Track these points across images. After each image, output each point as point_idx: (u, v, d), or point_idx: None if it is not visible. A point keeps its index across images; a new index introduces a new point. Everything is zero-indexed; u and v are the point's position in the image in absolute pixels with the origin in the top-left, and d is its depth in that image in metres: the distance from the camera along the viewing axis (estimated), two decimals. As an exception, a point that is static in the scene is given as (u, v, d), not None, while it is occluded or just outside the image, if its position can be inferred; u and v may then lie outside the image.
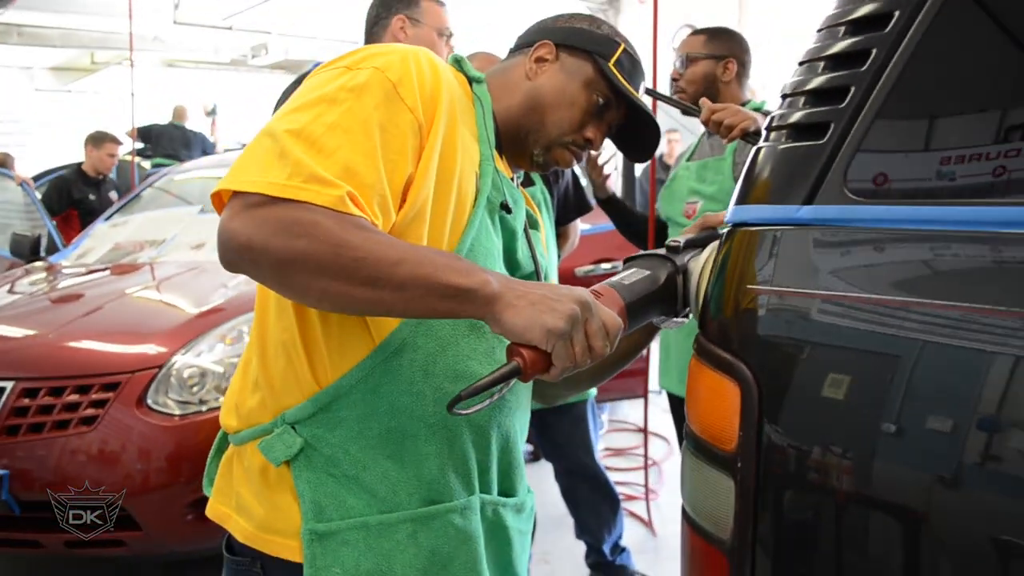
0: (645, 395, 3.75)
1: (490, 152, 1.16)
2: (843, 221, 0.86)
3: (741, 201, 1.01)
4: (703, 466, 0.97)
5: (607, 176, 2.60)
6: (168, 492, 2.64)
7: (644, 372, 3.76)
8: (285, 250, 0.92)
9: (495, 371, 0.97)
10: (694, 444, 1.00)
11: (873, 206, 0.85)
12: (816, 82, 0.95)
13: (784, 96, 1.00)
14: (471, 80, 1.19)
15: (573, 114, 1.22)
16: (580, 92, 1.22)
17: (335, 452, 1.07)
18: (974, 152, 0.84)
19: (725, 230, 1.03)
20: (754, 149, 1.02)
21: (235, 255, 0.95)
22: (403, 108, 1.03)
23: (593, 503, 2.90)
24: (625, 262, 1.19)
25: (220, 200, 1.01)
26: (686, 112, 2.12)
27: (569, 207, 2.83)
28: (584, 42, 1.24)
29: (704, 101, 2.05)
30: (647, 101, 1.32)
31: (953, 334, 0.78)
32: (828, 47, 0.95)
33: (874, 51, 0.89)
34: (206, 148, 7.89)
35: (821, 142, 0.90)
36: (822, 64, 0.95)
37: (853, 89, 0.89)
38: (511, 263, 1.22)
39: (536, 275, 1.28)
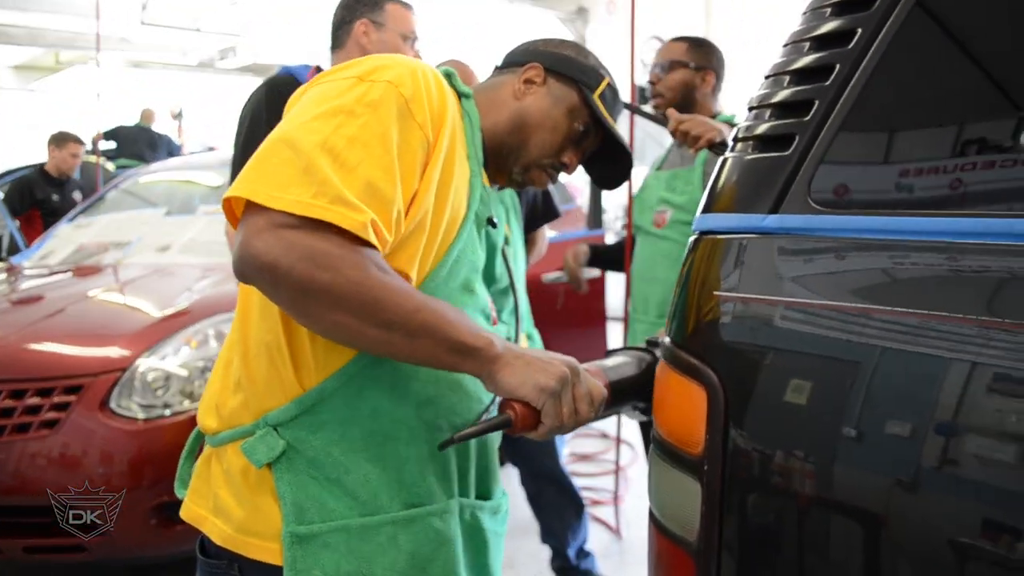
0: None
1: (479, 168, 1.18)
2: (807, 230, 0.89)
3: (707, 210, 1.03)
4: (670, 469, 0.99)
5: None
6: (131, 497, 2.60)
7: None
8: (309, 279, 0.94)
9: (487, 421, 1.05)
10: (661, 448, 1.02)
11: (836, 215, 0.87)
12: (781, 95, 0.97)
13: (751, 108, 1.03)
14: (460, 95, 1.21)
15: (555, 138, 1.26)
16: (563, 118, 1.26)
17: (317, 455, 1.07)
18: (932, 165, 0.87)
19: (694, 238, 1.06)
20: (720, 159, 1.05)
21: (256, 273, 0.96)
22: (414, 125, 1.05)
23: (558, 507, 2.92)
24: (608, 353, 1.27)
25: (230, 206, 1.02)
26: (655, 122, 2.15)
27: (537, 214, 2.85)
28: (572, 70, 1.28)
29: (671, 112, 2.08)
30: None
31: (912, 340, 0.81)
32: (793, 62, 0.97)
33: (837, 66, 0.91)
34: (172, 150, 7.81)
35: (786, 153, 0.92)
36: (787, 78, 0.98)
37: (817, 103, 0.92)
38: (488, 276, 1.25)
39: (511, 289, 1.31)
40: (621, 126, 1.36)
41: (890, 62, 0.88)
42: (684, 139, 2.00)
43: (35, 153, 6.53)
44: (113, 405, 2.64)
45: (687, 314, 1.01)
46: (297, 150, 0.98)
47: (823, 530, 0.86)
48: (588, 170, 1.39)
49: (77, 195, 5.70)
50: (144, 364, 2.72)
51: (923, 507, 0.78)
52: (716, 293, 0.96)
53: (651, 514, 1.04)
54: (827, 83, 0.91)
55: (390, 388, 1.09)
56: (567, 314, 3.95)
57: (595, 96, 1.27)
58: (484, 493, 1.24)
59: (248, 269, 0.96)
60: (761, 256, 0.94)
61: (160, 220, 4.11)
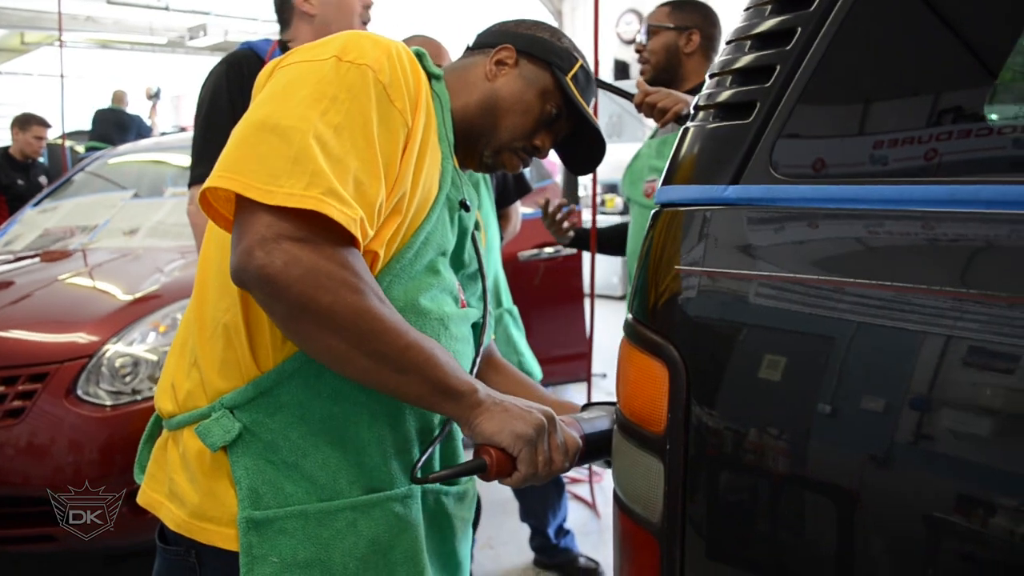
0: (588, 379, 3.76)
1: (449, 151, 1.16)
2: (769, 200, 0.86)
3: (668, 181, 1.00)
4: (632, 448, 0.96)
5: (568, 226, 2.57)
6: (98, 482, 2.56)
7: (587, 355, 3.77)
8: (308, 299, 0.93)
9: (462, 464, 1.07)
10: (624, 427, 0.99)
11: (799, 185, 0.84)
12: (742, 61, 0.94)
13: (712, 75, 0.99)
14: (430, 76, 1.19)
15: (526, 121, 1.24)
16: (536, 100, 1.24)
17: (275, 438, 1.05)
18: (900, 134, 0.84)
19: (655, 210, 1.03)
20: (682, 129, 1.01)
21: (255, 282, 0.94)
22: (394, 110, 1.04)
23: (538, 486, 2.90)
24: (584, 407, 1.29)
25: (206, 195, 0.99)
26: (622, 96, 2.10)
27: (509, 189, 2.81)
28: (545, 52, 1.26)
29: (639, 83, 2.03)
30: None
31: (875, 313, 0.78)
32: (754, 26, 0.94)
33: (799, 30, 0.88)
34: (142, 131, 7.64)
35: (747, 121, 0.89)
36: (748, 43, 0.94)
37: (778, 68, 0.88)
38: (457, 260, 1.23)
39: (480, 275, 1.29)
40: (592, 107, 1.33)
41: (853, 24, 0.85)
42: (651, 112, 1.96)
43: (1, 137, 6.40)
44: (80, 392, 2.59)
45: (648, 289, 0.98)
46: (284, 138, 0.95)
47: (790, 508, 0.84)
48: (560, 154, 1.37)
49: (43, 179, 5.60)
50: (112, 349, 2.67)
51: (896, 482, 0.76)
52: (677, 267, 0.93)
53: (615, 495, 1.02)
54: (788, 47, 0.88)
55: None
56: (545, 292, 3.93)
57: (568, 78, 1.25)
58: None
59: (248, 279, 0.94)
60: (723, 228, 0.91)
61: (128, 203, 4.03)
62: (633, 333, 0.98)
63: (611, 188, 8.58)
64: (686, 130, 1.00)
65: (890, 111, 0.87)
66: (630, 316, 1.01)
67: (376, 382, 1.00)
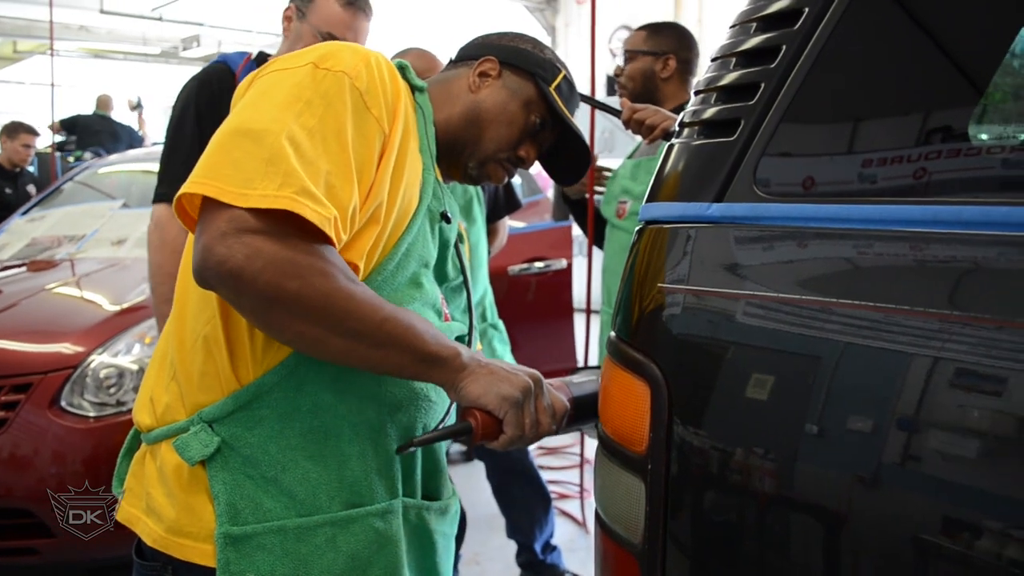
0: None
1: (431, 162, 1.16)
2: (753, 219, 0.85)
3: (652, 198, 1.00)
4: (614, 468, 0.95)
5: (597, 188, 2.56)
6: (81, 495, 2.53)
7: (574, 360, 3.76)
8: (274, 288, 0.91)
9: (447, 427, 1.06)
10: (605, 446, 0.98)
11: (783, 204, 0.84)
12: (727, 78, 0.94)
13: (697, 92, 0.99)
14: (413, 89, 1.19)
15: (511, 132, 1.24)
16: (519, 111, 1.24)
17: (254, 452, 1.04)
18: (884, 153, 0.84)
19: (639, 227, 1.02)
20: (666, 146, 1.01)
21: (218, 280, 0.92)
22: (370, 117, 1.03)
23: (526, 501, 2.89)
24: (574, 371, 1.28)
25: (182, 205, 0.98)
26: (611, 113, 2.10)
27: (499, 204, 2.81)
28: (528, 63, 1.26)
29: (623, 102, 2.03)
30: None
31: (865, 334, 0.77)
32: (740, 43, 0.94)
33: (784, 47, 0.88)
34: (133, 142, 7.57)
35: (731, 139, 0.89)
36: (733, 60, 0.94)
37: (763, 85, 0.88)
38: (440, 273, 1.22)
39: (464, 287, 1.29)
40: (580, 119, 1.33)
41: (838, 42, 0.85)
42: (638, 129, 1.96)
43: (-8, 145, 6.35)
44: (64, 403, 2.56)
45: (631, 307, 0.97)
46: (258, 141, 0.94)
47: (775, 530, 0.83)
48: (545, 165, 1.37)
49: (31, 188, 5.57)
50: (97, 360, 2.65)
51: (883, 504, 0.75)
52: (661, 285, 0.92)
53: (597, 515, 1.01)
54: (773, 65, 0.88)
55: (332, 382, 1.05)
56: (534, 306, 3.91)
57: (551, 89, 1.25)
58: (432, 493, 1.21)
59: (210, 276, 0.92)
60: (707, 246, 0.90)
61: (116, 213, 4.00)
62: (616, 351, 0.97)
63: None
64: (671, 147, 1.00)
65: (876, 130, 0.87)
66: (613, 334, 1.00)
67: (356, 360, 0.99)
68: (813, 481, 0.79)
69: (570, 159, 1.34)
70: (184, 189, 0.95)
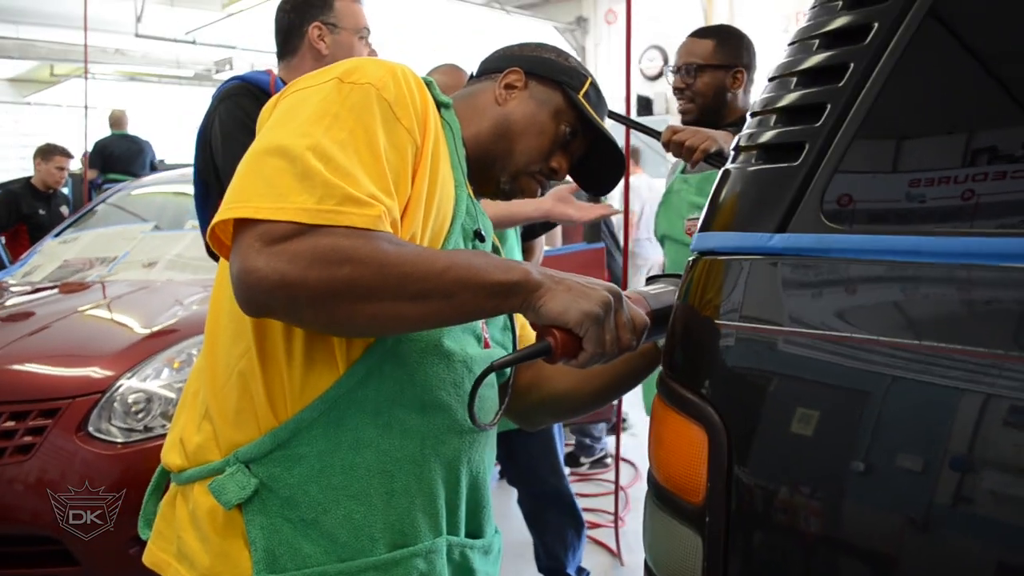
0: (618, 421, 3.68)
1: (463, 178, 1.12)
2: (820, 251, 0.78)
3: (706, 227, 0.93)
4: (667, 519, 0.88)
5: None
6: (111, 524, 2.49)
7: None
8: (328, 281, 0.86)
9: (525, 349, 0.99)
10: (657, 494, 0.91)
11: (854, 235, 0.77)
12: (788, 99, 0.87)
13: (753, 114, 0.93)
14: (439, 105, 1.14)
15: (542, 143, 1.20)
16: (549, 121, 1.21)
17: (293, 493, 0.99)
18: (962, 177, 0.77)
19: (692, 258, 0.95)
20: (721, 171, 0.94)
21: (266, 297, 0.87)
22: (401, 128, 0.99)
23: (559, 527, 2.81)
24: (648, 280, 1.23)
25: (217, 236, 0.94)
26: (648, 134, 2.03)
27: (534, 224, 2.75)
28: (553, 72, 1.23)
29: (671, 127, 1.96)
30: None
31: (930, 370, 0.70)
32: (801, 62, 0.87)
33: (851, 65, 0.81)
34: (152, 161, 7.20)
35: (795, 164, 0.82)
36: (794, 80, 0.87)
37: (829, 106, 0.81)
38: None
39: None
40: (615, 135, 1.28)
41: (912, 58, 0.78)
42: (679, 151, 1.89)
43: (30, 167, 6.41)
44: (91, 428, 2.53)
45: (684, 344, 0.90)
46: (288, 157, 0.90)
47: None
48: (576, 176, 1.32)
49: (64, 210, 5.61)
50: (125, 385, 2.62)
51: (941, 547, 0.68)
52: (717, 321, 0.85)
53: (646, 566, 0.94)
54: (840, 84, 0.81)
55: (373, 415, 1.00)
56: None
57: (580, 96, 1.22)
58: (475, 531, 1.15)
59: (256, 296, 0.87)
60: (768, 280, 0.83)
61: (148, 235, 4.01)
62: (667, 391, 0.90)
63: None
64: (726, 172, 0.93)
65: (949, 150, 0.80)
66: (664, 372, 0.93)
67: (435, 319, 0.95)
68: (896, 535, 0.71)
69: (603, 168, 1.30)
70: (217, 218, 0.90)
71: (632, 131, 2.97)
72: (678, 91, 2.28)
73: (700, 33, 2.31)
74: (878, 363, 0.73)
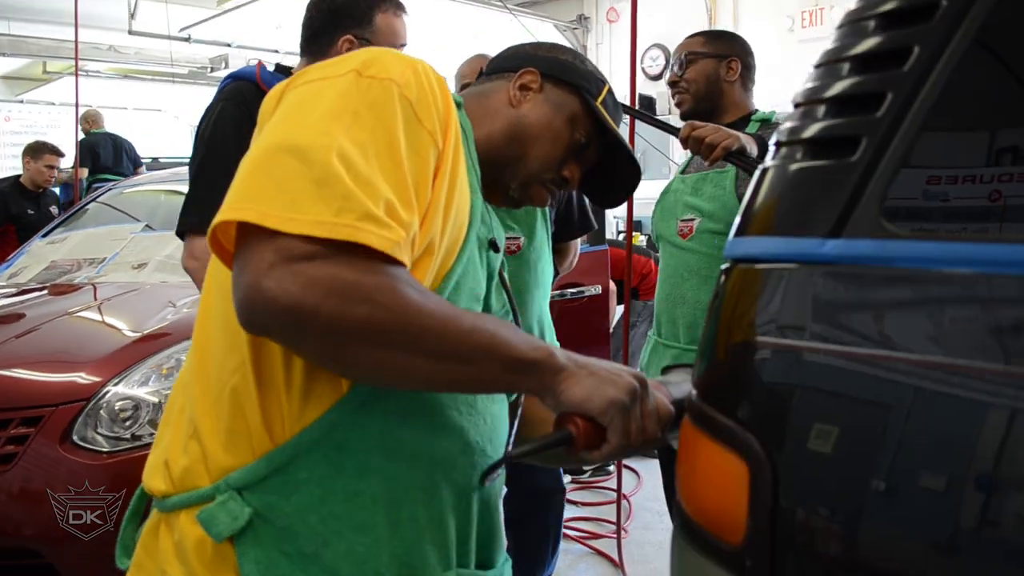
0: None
1: (477, 183, 1.03)
2: (883, 260, 0.68)
3: (743, 231, 0.83)
4: (700, 560, 0.78)
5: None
6: (96, 537, 2.39)
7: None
8: (341, 317, 0.79)
9: (545, 437, 0.94)
10: (687, 530, 0.81)
11: (923, 241, 0.67)
12: (840, 87, 0.77)
13: (797, 105, 0.83)
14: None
15: (555, 149, 1.13)
16: (564, 127, 1.14)
17: (291, 523, 0.89)
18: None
19: (725, 266, 0.85)
20: (760, 169, 0.85)
21: (271, 319, 0.79)
22: (423, 131, 0.91)
23: (538, 538, 2.69)
24: (664, 370, 1.16)
25: (217, 237, 0.84)
26: (665, 130, 1.95)
27: (573, 222, 2.66)
28: (571, 76, 1.15)
29: (690, 123, 1.88)
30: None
31: (1018, 397, 0.61)
32: (854, 45, 0.77)
33: (916, 49, 0.71)
34: (135, 159, 7.03)
35: (850, 160, 0.72)
36: (846, 66, 0.77)
37: (890, 95, 0.71)
38: (485, 307, 1.07)
39: (514, 317, 1.15)
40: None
41: (993, 38, 0.68)
42: (697, 148, 1.80)
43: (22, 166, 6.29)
44: (76, 437, 2.43)
45: (720, 364, 0.81)
46: (303, 158, 0.81)
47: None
48: (585, 188, 1.25)
49: (54, 209, 5.50)
50: (112, 391, 2.52)
51: None
52: (759, 338, 0.75)
53: (675, 613, 0.84)
54: (905, 69, 0.71)
55: (380, 438, 0.91)
56: (568, 334, 3.76)
57: (598, 103, 1.14)
58: (485, 561, 1.06)
59: (262, 318, 0.79)
60: (820, 291, 0.73)
61: (138, 235, 3.90)
62: (700, 416, 0.80)
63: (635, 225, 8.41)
64: (764, 171, 0.84)
65: None
66: (695, 393, 0.83)
67: (444, 382, 0.88)
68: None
69: (615, 179, 1.23)
70: (220, 217, 0.81)
71: (636, 132, 2.87)
72: (672, 85, 2.28)
73: (692, 34, 2.36)
74: (953, 390, 0.64)
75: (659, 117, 2.24)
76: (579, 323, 3.79)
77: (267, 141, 0.85)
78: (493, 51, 1.28)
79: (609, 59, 9.44)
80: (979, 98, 0.74)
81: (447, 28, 8.84)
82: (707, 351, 0.84)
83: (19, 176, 5.60)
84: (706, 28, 8.35)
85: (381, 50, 0.95)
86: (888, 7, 0.76)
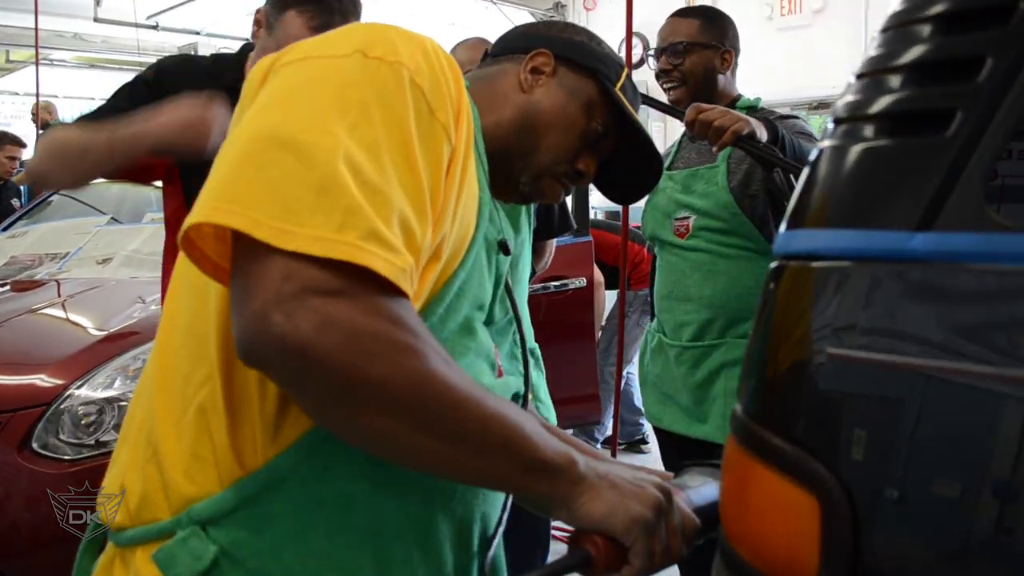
0: (615, 425, 3.53)
1: (484, 177, 0.92)
2: (988, 256, 0.56)
3: (797, 223, 0.71)
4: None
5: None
6: (59, 550, 2.26)
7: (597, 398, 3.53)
8: (350, 372, 0.69)
9: (562, 560, 0.84)
10: (739, 574, 0.69)
11: (1043, 236, 0.55)
12: (919, 51, 0.65)
13: (859, 76, 0.71)
14: None
15: (570, 139, 1.03)
16: (580, 115, 1.05)
17: (263, 564, 0.79)
18: None
19: (775, 265, 0.74)
20: (817, 148, 0.73)
21: (273, 356, 0.69)
22: (436, 125, 0.80)
23: (530, 546, 2.59)
24: (679, 470, 1.05)
25: (191, 239, 0.73)
26: (670, 114, 1.85)
27: (552, 222, 2.55)
28: (588, 58, 1.06)
29: (696, 105, 1.77)
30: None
31: None
32: (937, 2, 0.66)
33: (1022, 3, 0.60)
34: None
35: (942, 137, 0.60)
36: (928, 28, 0.66)
37: (990, 60, 0.60)
38: (488, 317, 0.96)
39: (517, 327, 1.05)
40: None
41: None
42: (705, 132, 1.69)
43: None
44: (36, 444, 2.31)
45: (774, 378, 0.69)
46: (305, 158, 0.70)
47: None
48: (598, 182, 1.14)
49: (16, 202, 5.33)
50: (75, 395, 2.39)
51: None
52: (829, 350, 0.64)
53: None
54: (1007, 29, 0.59)
55: (367, 465, 0.80)
56: (551, 328, 3.67)
57: (617, 89, 1.05)
58: None
59: (262, 350, 0.69)
60: (909, 294, 0.61)
61: (102, 229, 3.77)
62: (752, 439, 0.69)
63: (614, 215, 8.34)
64: (820, 152, 0.72)
65: None
66: (743, 412, 0.72)
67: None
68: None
69: (632, 173, 1.13)
70: (198, 217, 0.69)
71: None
72: (663, 73, 2.14)
73: (683, 13, 2.20)
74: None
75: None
76: (562, 317, 3.70)
77: (256, 128, 0.73)
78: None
79: (587, 47, 9.34)
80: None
81: (421, 16, 8.69)
82: (756, 365, 0.72)
83: (-21, 168, 5.43)
84: (685, 15, 8.30)
85: (384, 26, 0.84)
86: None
